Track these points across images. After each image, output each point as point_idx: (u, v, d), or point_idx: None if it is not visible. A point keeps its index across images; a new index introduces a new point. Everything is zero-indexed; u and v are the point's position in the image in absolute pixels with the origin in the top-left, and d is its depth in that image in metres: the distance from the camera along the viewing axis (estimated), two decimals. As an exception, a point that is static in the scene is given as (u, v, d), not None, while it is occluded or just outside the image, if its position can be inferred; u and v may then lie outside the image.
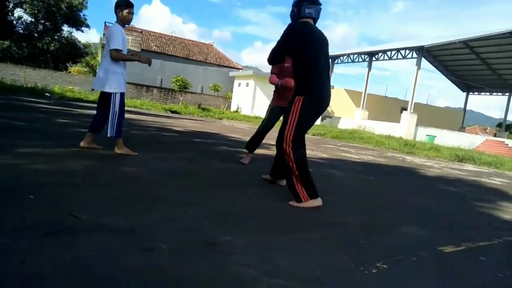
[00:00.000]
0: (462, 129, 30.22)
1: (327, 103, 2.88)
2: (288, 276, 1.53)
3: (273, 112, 4.20)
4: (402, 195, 3.93)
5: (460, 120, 31.65)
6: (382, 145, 12.72)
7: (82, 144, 3.94)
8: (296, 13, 2.90)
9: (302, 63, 2.82)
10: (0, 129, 4.66)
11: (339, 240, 2.12)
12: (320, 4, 2.91)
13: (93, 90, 3.95)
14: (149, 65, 4.07)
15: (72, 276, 1.30)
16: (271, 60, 3.03)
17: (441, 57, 27.18)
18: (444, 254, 2.13)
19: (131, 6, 3.73)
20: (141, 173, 3.20)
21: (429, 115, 27.34)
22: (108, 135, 3.81)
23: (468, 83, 29.47)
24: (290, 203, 2.78)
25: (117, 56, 3.68)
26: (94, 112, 4.10)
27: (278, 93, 4.14)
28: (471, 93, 31.94)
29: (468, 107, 33.63)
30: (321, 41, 2.89)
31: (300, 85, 2.85)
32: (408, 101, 21.59)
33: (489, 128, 32.37)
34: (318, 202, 2.80)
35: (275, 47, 2.91)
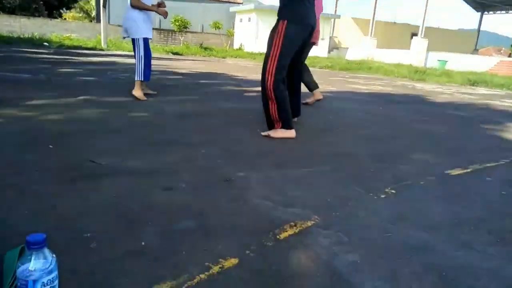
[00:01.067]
0: (475, 51, 29.11)
1: (312, 27, 2.80)
2: (301, 205, 1.62)
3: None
4: (411, 123, 3.95)
5: (473, 42, 30.36)
6: (391, 74, 12.45)
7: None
8: None
9: None
10: (6, 82, 4.67)
11: (349, 170, 2.20)
12: None
13: (124, 38, 4.36)
14: (165, 17, 4.29)
15: (101, 215, 1.41)
16: None
17: (455, -26, 25.33)
18: (451, 176, 2.21)
19: None
20: (152, 117, 3.25)
21: (441, 39, 26.28)
22: (136, 79, 3.99)
23: (482, 2, 27.78)
24: (262, 133, 2.84)
25: (135, 4, 3.90)
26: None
27: None
28: (485, 12, 30.23)
29: (482, 28, 32.04)
30: None
31: (284, 9, 2.76)
32: (418, 26, 20.65)
33: (503, 48, 31.08)
34: (291, 133, 2.82)
35: None
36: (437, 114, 4.79)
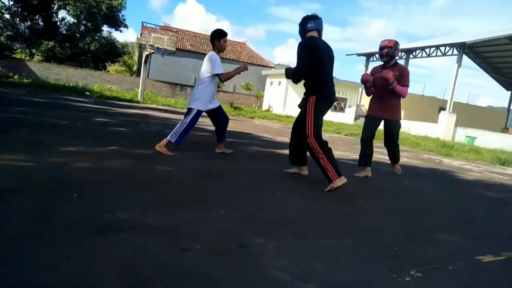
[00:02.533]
0: (505, 129, 28.64)
1: (334, 99, 3.59)
2: (320, 282, 1.54)
3: (371, 122, 4.74)
4: (439, 200, 3.81)
5: (503, 120, 30.02)
6: (418, 146, 12.32)
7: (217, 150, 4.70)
8: (302, 30, 3.53)
9: (312, 70, 3.39)
10: (46, 128, 4.94)
11: (373, 246, 2.10)
12: (320, 18, 3.52)
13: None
14: (247, 69, 4.52)
15: (113, 272, 1.38)
16: (302, 73, 3.46)
17: (484, 53, 25.87)
18: (481, 263, 2.06)
19: (226, 35, 4.35)
20: (176, 173, 3.30)
21: (469, 115, 26.18)
22: (167, 138, 4.07)
23: (512, 81, 27.90)
24: (326, 190, 3.21)
25: (225, 78, 4.29)
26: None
27: (377, 103, 4.66)
28: (516, 91, 30.19)
29: (512, 107, 31.80)
30: (326, 51, 3.47)
31: (311, 88, 3.50)
32: (446, 100, 20.77)
33: (535, 129, 30.49)
34: (343, 180, 3.20)
35: (298, 67, 3.42)
36: (466, 192, 4.61)
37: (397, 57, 4.53)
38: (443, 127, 19.58)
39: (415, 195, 3.91)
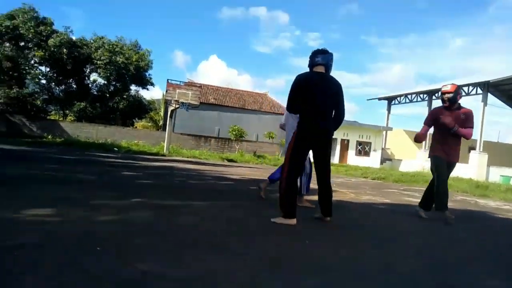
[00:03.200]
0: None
1: (317, 134, 3.50)
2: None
3: (442, 163, 4.66)
4: (479, 245, 3.55)
5: (538, 157, 28.66)
6: (450, 188, 11.78)
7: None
8: (310, 63, 3.60)
9: (302, 105, 3.47)
10: (74, 183, 5.07)
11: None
12: (329, 53, 3.57)
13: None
14: None
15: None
16: (289, 108, 3.60)
17: (510, 91, 25.43)
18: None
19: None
20: (199, 222, 3.24)
21: (501, 153, 25.22)
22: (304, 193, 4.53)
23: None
24: (272, 219, 3.45)
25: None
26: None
27: (441, 145, 4.65)
28: (549, 128, 29.08)
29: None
30: (321, 85, 3.45)
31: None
32: (476, 140, 20.18)
33: None
34: (292, 221, 3.41)
35: (288, 97, 3.53)
36: (509, 235, 4.29)
37: (459, 102, 4.60)
38: (475, 167, 18.86)
39: (452, 240, 3.66)
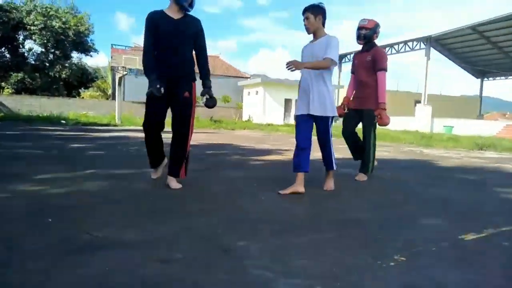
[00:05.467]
0: (480, 116, 29.57)
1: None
2: (304, 276, 1.52)
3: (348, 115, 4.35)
4: (421, 188, 3.86)
5: (477, 107, 31.00)
6: (398, 141, 12.53)
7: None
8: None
9: None
10: (18, 158, 4.80)
11: (356, 237, 2.10)
12: None
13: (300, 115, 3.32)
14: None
15: (91, 291, 1.33)
16: None
17: (451, 45, 26.76)
18: (464, 242, 2.08)
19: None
20: (155, 188, 3.24)
21: (444, 105, 26.90)
22: (334, 168, 3.47)
23: (481, 69, 28.91)
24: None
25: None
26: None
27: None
28: (485, 79, 31.30)
29: (484, 94, 32.91)
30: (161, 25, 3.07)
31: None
32: (421, 94, 21.30)
33: (508, 113, 31.59)
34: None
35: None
36: (446, 179, 4.70)
37: (375, 41, 4.03)
38: (421, 119, 20.04)
39: (397, 186, 3.95)
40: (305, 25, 3.20)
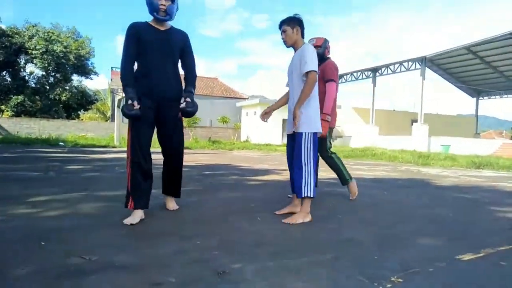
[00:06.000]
0: (476, 135, 29.72)
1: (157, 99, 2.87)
2: (299, 299, 1.50)
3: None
4: (418, 207, 3.85)
5: (473, 126, 31.18)
6: (395, 160, 12.55)
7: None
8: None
9: None
10: (14, 181, 4.78)
11: (352, 258, 2.08)
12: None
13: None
14: None
15: (81, 317, 1.31)
16: None
17: (445, 65, 27.17)
18: (462, 262, 2.06)
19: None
20: (151, 209, 3.21)
21: (441, 124, 27.07)
22: (301, 196, 2.99)
23: (476, 88, 29.25)
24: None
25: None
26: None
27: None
28: (481, 98, 31.62)
29: (480, 113, 33.18)
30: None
31: None
32: (417, 113, 21.46)
33: (504, 131, 31.76)
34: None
35: None
36: (444, 198, 4.68)
37: (329, 56, 4.01)
38: (418, 139, 20.12)
39: (393, 205, 3.93)
40: (282, 38, 3.09)
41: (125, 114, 2.69)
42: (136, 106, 2.69)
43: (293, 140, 3.05)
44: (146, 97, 2.80)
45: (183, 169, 3.30)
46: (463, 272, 1.93)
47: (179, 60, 3.04)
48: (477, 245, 2.39)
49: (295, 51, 3.12)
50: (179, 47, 2.96)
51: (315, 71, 2.88)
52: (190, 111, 2.89)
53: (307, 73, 2.90)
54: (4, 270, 1.72)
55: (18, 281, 1.60)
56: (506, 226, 3.06)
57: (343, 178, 4.15)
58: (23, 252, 1.99)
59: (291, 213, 3.10)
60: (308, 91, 2.91)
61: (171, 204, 3.18)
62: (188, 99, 2.90)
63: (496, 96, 31.05)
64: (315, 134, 2.98)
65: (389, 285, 1.68)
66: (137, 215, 2.75)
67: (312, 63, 2.88)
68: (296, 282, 1.68)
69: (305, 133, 2.94)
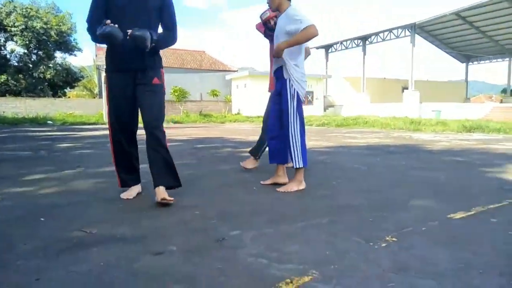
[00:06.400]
0: (467, 100, 29.93)
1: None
2: (297, 261, 1.54)
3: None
4: (410, 171, 3.91)
5: (463, 91, 31.36)
6: (387, 127, 12.65)
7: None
8: None
9: None
10: (5, 161, 4.73)
11: (347, 221, 2.13)
12: None
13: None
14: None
15: (85, 287, 1.33)
16: None
17: (435, 31, 26.97)
18: (453, 221, 2.13)
19: None
20: (148, 184, 3.22)
21: (432, 91, 27.14)
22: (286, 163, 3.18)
23: (466, 54, 29.22)
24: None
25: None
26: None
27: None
28: (470, 63, 31.65)
29: (471, 78, 33.29)
30: None
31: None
32: (408, 80, 21.47)
33: (494, 95, 32.04)
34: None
35: None
36: (436, 161, 4.77)
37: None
38: (409, 105, 20.21)
39: (387, 170, 4.00)
40: (267, 2, 2.97)
41: (100, 35, 2.26)
42: (108, 22, 2.25)
43: (276, 104, 3.00)
44: (119, 72, 2.49)
45: (173, 143, 3.18)
46: (455, 229, 1.99)
47: (159, 23, 2.55)
48: (469, 204, 2.46)
49: (280, 14, 2.95)
50: (157, 6, 2.45)
51: (314, 25, 2.72)
52: (138, 34, 2.27)
53: (305, 28, 2.71)
54: (7, 246, 1.73)
55: (22, 256, 1.61)
56: (497, 186, 3.14)
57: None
58: (24, 228, 1.99)
59: (276, 183, 3.08)
60: (301, 38, 2.74)
61: (163, 195, 2.44)
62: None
63: (486, 61, 31.13)
64: (299, 96, 2.92)
65: (384, 245, 1.73)
66: (134, 190, 2.70)
67: (308, 19, 2.73)
68: (293, 245, 1.72)
69: (292, 94, 2.87)
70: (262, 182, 3.18)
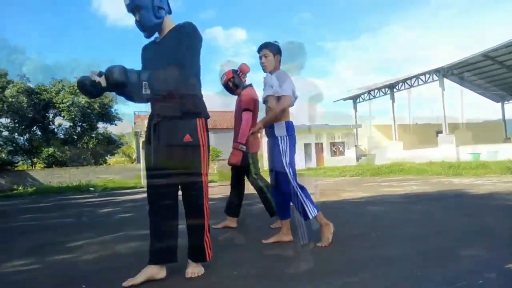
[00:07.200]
0: (507, 140, 28.58)
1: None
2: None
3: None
4: (455, 218, 3.70)
5: (502, 131, 30.09)
6: (425, 173, 12.19)
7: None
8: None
9: None
10: (49, 229, 4.92)
11: (393, 276, 2.01)
12: None
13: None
14: None
15: None
16: None
17: (464, 73, 26.68)
18: None
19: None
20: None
21: (468, 132, 26.27)
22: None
23: (499, 93, 28.48)
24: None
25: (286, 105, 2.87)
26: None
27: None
28: (506, 102, 30.69)
29: (508, 117, 32.05)
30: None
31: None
32: (441, 124, 21.00)
33: (536, 133, 30.50)
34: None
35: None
36: (481, 206, 4.50)
37: (246, 82, 3.79)
38: (445, 149, 19.55)
39: (428, 218, 3.80)
40: (262, 63, 3.00)
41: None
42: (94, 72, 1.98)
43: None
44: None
45: (210, 202, 2.93)
46: (514, 280, 1.83)
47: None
48: (525, 251, 2.27)
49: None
50: (173, 50, 2.12)
51: (289, 96, 2.83)
52: (107, 70, 1.95)
53: (278, 97, 2.84)
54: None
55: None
56: (554, 230, 2.89)
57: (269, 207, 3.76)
58: (67, 295, 2.03)
59: (279, 242, 2.94)
60: (273, 115, 2.86)
61: (192, 269, 2.25)
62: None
63: (522, 98, 30.06)
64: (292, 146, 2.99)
65: (436, 300, 1.62)
66: (144, 273, 2.20)
67: (287, 88, 2.82)
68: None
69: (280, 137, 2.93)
70: (264, 241, 3.02)
